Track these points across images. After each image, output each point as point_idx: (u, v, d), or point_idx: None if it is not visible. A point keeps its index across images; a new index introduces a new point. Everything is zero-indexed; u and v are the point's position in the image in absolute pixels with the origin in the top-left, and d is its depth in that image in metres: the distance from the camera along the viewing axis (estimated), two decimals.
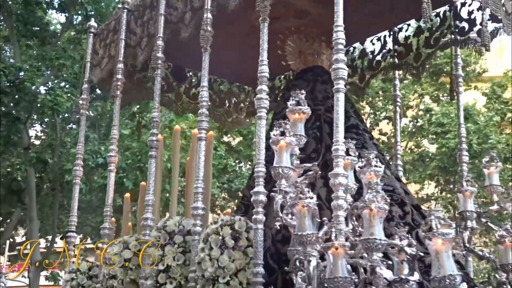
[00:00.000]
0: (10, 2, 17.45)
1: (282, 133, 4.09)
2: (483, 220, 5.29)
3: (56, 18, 21.31)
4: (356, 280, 3.54)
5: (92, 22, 6.87)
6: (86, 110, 6.50)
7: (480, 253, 5.18)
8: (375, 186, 3.58)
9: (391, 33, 6.68)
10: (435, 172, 18.65)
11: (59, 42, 18.09)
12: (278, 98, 7.12)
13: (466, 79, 20.24)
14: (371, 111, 20.59)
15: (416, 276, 3.57)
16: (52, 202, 17.49)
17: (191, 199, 5.01)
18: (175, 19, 5.71)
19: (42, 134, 19.80)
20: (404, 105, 20.79)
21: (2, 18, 17.98)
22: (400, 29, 6.64)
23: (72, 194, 6.28)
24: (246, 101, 7.77)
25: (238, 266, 4.28)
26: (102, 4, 17.54)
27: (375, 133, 20.59)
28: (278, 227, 4.05)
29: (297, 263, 3.89)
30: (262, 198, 4.27)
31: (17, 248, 21.33)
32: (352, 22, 6.05)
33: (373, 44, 6.84)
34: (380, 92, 19.41)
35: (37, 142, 18.88)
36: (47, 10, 19.04)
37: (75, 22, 18.92)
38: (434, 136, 19.62)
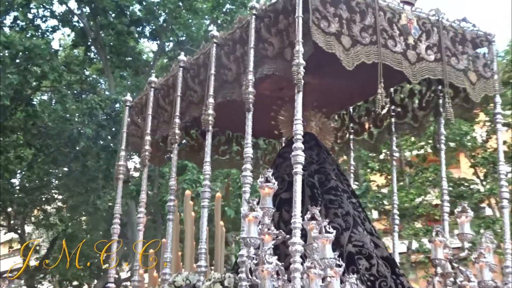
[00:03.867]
0: (103, 35, 18.12)
1: (251, 208, 4.99)
2: (455, 265, 6.03)
3: (148, 46, 22.07)
4: None
5: (128, 97, 7.91)
6: (123, 175, 7.48)
7: None
8: (312, 254, 4.47)
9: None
10: None
11: (152, 71, 18.62)
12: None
13: None
14: (487, 118, 19.23)
15: None
16: (154, 234, 17.16)
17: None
18: (196, 100, 6.67)
19: (140, 166, 20.26)
20: None
21: (96, 51, 18.68)
22: (396, 91, 7.40)
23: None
24: (272, 153, 8.58)
25: None
26: (193, 29, 18.00)
27: (492, 142, 19.71)
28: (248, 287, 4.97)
29: None
30: (245, 259, 5.18)
31: (122, 284, 21.64)
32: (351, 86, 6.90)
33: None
34: None
35: (136, 174, 18.80)
36: (139, 40, 19.51)
37: (167, 49, 19.36)
38: None
